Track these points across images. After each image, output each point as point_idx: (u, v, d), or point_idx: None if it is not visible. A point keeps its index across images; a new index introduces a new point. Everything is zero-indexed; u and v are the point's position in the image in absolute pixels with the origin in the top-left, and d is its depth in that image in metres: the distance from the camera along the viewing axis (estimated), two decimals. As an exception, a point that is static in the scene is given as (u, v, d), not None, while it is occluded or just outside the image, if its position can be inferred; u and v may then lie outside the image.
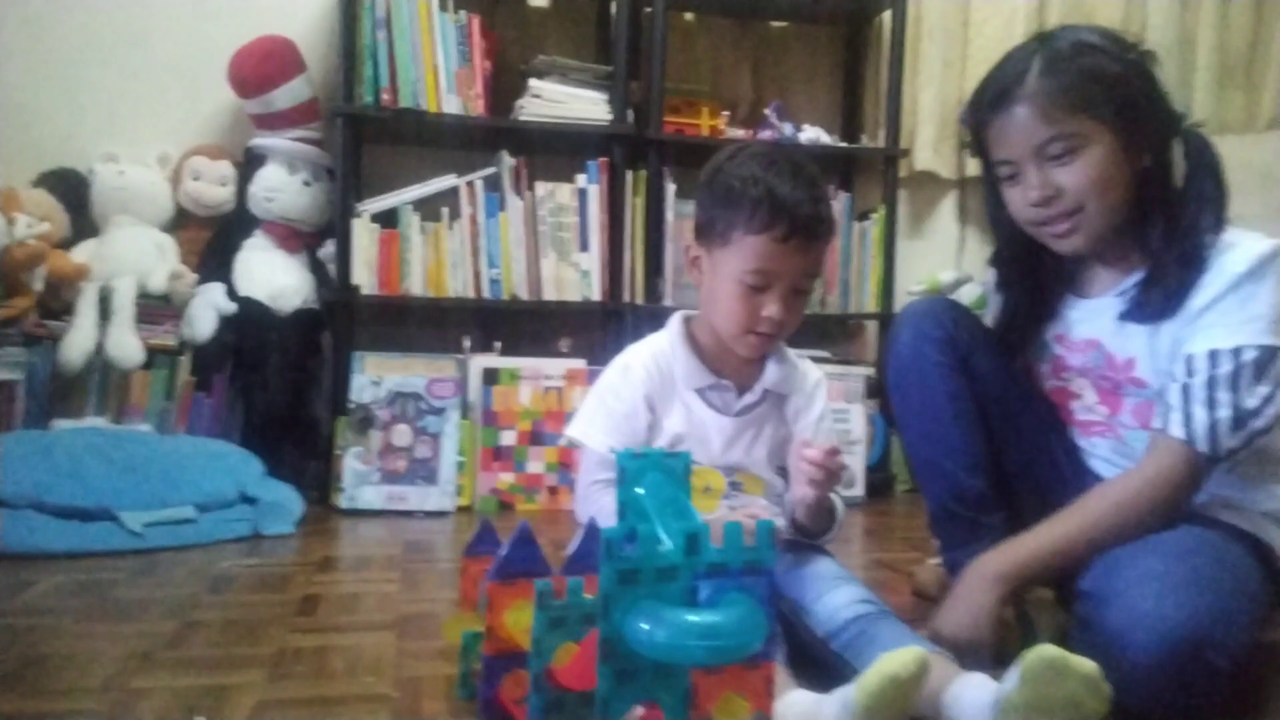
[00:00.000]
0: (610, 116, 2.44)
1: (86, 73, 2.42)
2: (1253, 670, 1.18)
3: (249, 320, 2.27)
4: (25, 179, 2.30)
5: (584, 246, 2.46)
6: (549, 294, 2.45)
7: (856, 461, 2.51)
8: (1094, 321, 1.29)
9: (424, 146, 2.58)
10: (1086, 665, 0.90)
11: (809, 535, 1.28)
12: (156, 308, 2.28)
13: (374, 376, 2.28)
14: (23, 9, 2.38)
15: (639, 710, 0.82)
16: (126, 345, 2.20)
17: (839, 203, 2.62)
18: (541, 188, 2.45)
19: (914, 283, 2.76)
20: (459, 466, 2.27)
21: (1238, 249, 1.16)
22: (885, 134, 2.68)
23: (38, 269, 2.17)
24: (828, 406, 1.37)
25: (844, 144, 2.74)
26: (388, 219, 2.39)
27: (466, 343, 2.43)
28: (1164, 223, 1.20)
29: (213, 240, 2.41)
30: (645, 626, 0.77)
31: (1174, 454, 1.15)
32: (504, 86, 2.50)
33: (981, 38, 2.82)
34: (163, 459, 1.96)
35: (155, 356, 2.25)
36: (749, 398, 1.31)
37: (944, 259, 2.92)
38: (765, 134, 2.57)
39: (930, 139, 2.82)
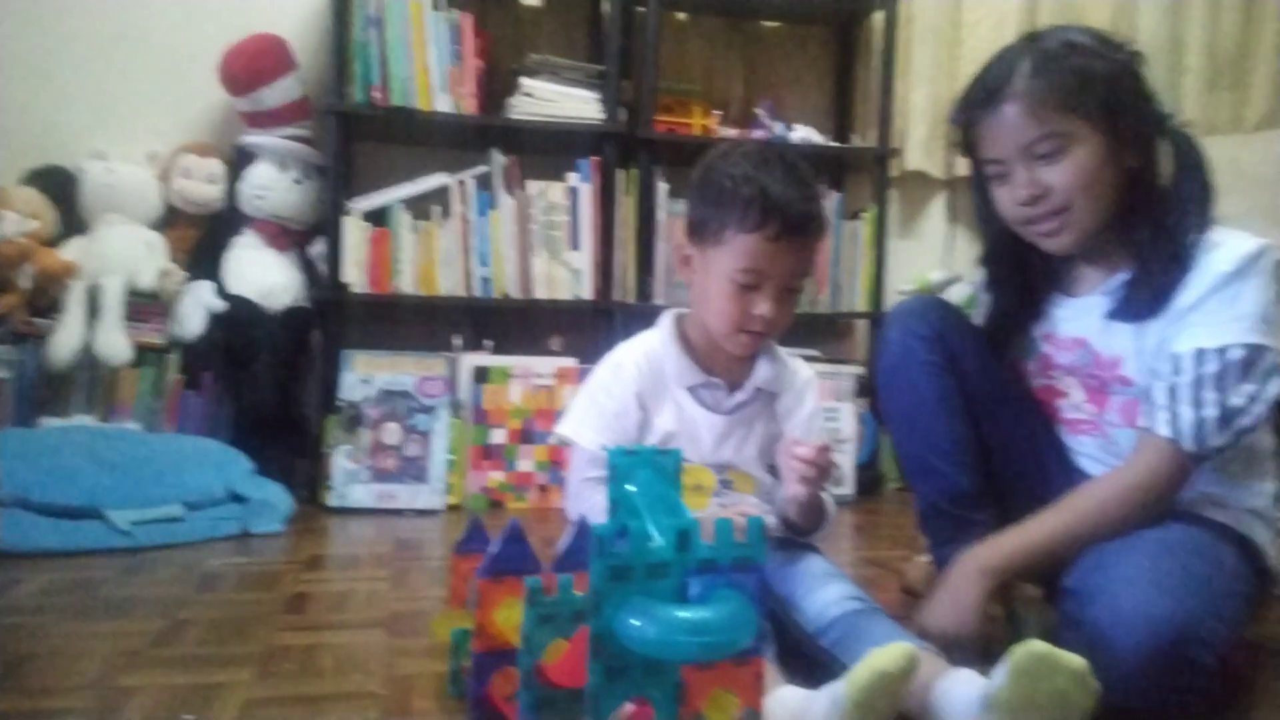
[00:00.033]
0: (602, 115, 2.44)
1: (75, 70, 2.41)
2: (1238, 666, 1.19)
3: (238, 318, 2.26)
4: (14, 176, 2.29)
5: (575, 245, 2.46)
6: (540, 292, 2.45)
7: (846, 460, 2.52)
8: (1081, 320, 1.30)
9: (415, 145, 2.57)
10: (1074, 661, 0.90)
11: (799, 533, 1.28)
12: (145, 305, 2.27)
13: (364, 375, 2.28)
14: (11, 6, 2.37)
15: (629, 707, 0.82)
16: (115, 343, 2.19)
17: (830, 202, 2.63)
18: (533, 186, 2.45)
19: (904, 282, 2.77)
20: (449, 465, 2.27)
21: (1224, 248, 1.17)
22: (876, 134, 2.68)
23: (26, 267, 2.16)
24: (818, 405, 1.37)
25: (835, 144, 2.75)
26: (378, 217, 2.38)
27: (457, 341, 2.43)
28: (1151, 222, 1.21)
29: (202, 238, 2.40)
30: (636, 623, 0.77)
31: (1160, 452, 1.16)
32: (496, 85, 2.50)
33: (973, 38, 2.82)
34: (151, 457, 1.96)
35: (144, 354, 2.24)
36: (740, 396, 1.31)
37: (934, 259, 2.93)
38: (757, 133, 2.57)
39: (921, 139, 2.82)
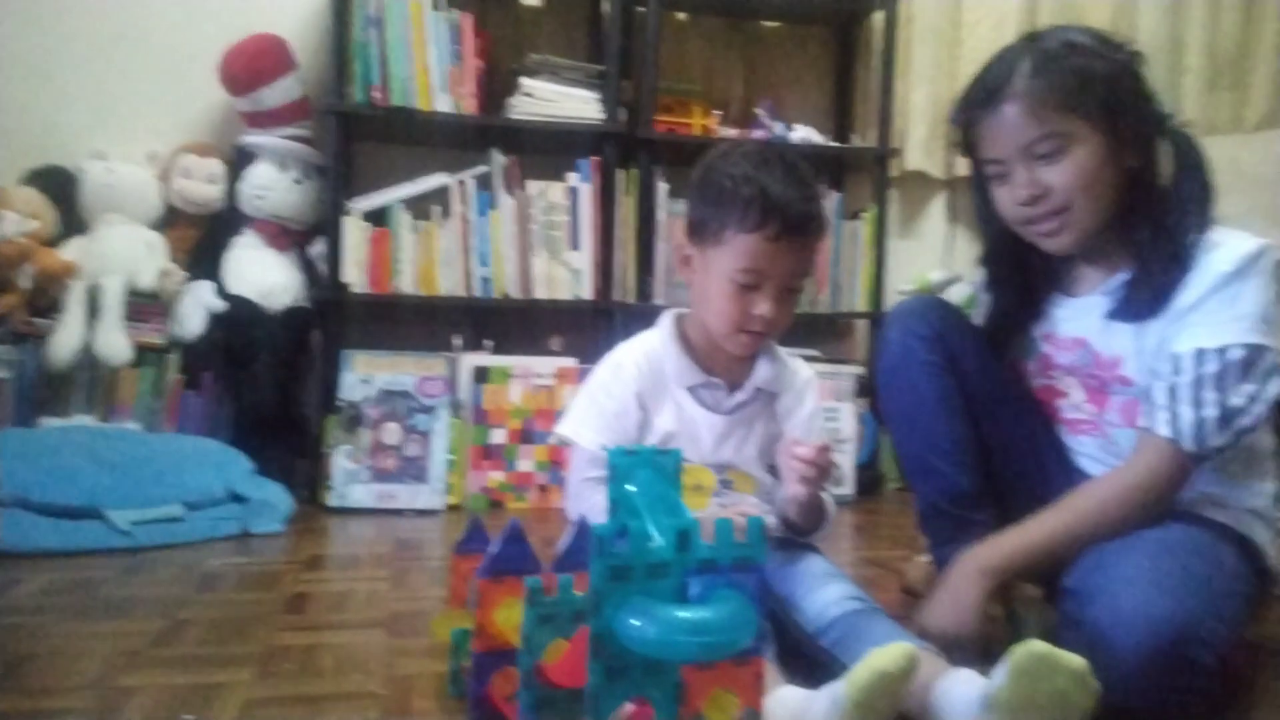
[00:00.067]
0: (602, 115, 2.44)
1: (75, 70, 2.41)
2: (1238, 666, 1.19)
3: (238, 318, 2.26)
4: (14, 176, 2.29)
5: (575, 245, 2.46)
6: (540, 292, 2.45)
7: (846, 460, 2.52)
8: (1081, 320, 1.30)
9: (415, 145, 2.57)
10: (1074, 661, 0.90)
11: (799, 533, 1.28)
12: (145, 305, 2.27)
13: (364, 375, 2.28)
14: (10, 6, 2.37)
15: (629, 707, 0.82)
16: (115, 343, 2.19)
17: (830, 202, 2.63)
18: (533, 186, 2.45)
19: (904, 282, 2.77)
20: (449, 465, 2.27)
21: (1223, 248, 1.17)
22: (876, 134, 2.68)
23: (26, 266, 2.16)
24: (818, 405, 1.37)
25: (835, 144, 2.75)
26: (378, 217, 2.38)
27: (457, 341, 2.43)
28: (1150, 222, 1.21)
29: (202, 238, 2.40)
30: (636, 623, 0.77)
31: (1160, 452, 1.16)
32: (496, 85, 2.50)
33: (973, 38, 2.82)
34: (151, 457, 1.96)
35: (144, 354, 2.24)
36: (740, 396, 1.31)
37: (934, 258, 2.93)
38: (757, 133, 2.57)
39: (921, 139, 2.82)
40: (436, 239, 2.39)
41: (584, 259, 2.45)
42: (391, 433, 2.25)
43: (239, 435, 2.22)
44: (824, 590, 1.17)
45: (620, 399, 1.29)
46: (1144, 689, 1.00)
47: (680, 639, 0.77)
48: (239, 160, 2.39)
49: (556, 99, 2.42)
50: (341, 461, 2.21)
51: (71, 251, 2.26)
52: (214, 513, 1.91)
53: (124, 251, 2.29)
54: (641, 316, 2.18)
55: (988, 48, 1.29)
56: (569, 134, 2.45)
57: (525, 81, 2.41)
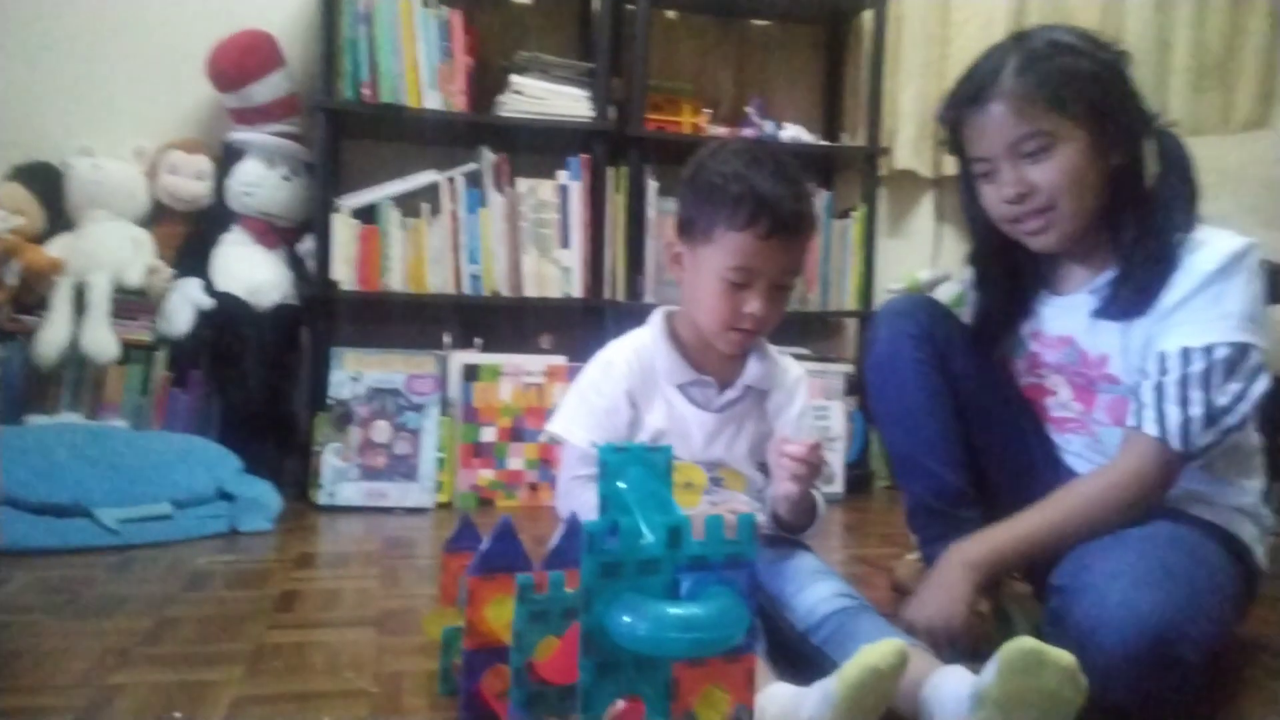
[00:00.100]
0: (592, 113, 2.44)
1: (62, 65, 2.39)
2: (1225, 664, 1.20)
3: (227, 316, 2.25)
4: (-1, 172, 2.28)
5: (565, 243, 2.46)
6: (530, 290, 2.44)
7: (836, 458, 2.52)
8: (1067, 318, 1.31)
9: (404, 142, 2.57)
10: (1064, 658, 0.90)
11: (790, 530, 1.28)
12: (132, 302, 2.26)
13: (353, 372, 2.27)
14: (-5, 1, 2.36)
15: (621, 704, 0.82)
16: (102, 340, 2.18)
17: (819, 201, 2.63)
18: (523, 184, 2.45)
19: (893, 281, 2.78)
20: (439, 463, 2.27)
21: (1208, 247, 1.17)
22: (865, 133, 2.69)
23: (12, 263, 2.14)
24: (808, 403, 1.37)
25: (825, 142, 2.75)
26: (367, 214, 2.38)
27: (447, 339, 2.42)
28: (1136, 221, 1.22)
29: (190, 235, 2.39)
30: (627, 619, 0.77)
31: (1147, 451, 1.17)
32: (485, 82, 2.49)
33: (961, 38, 2.84)
34: (139, 455, 1.95)
35: (131, 351, 2.23)
36: (730, 393, 1.31)
37: (923, 257, 2.95)
38: (747, 132, 2.58)
39: (910, 138, 2.83)
40: (426, 236, 2.39)
41: (574, 257, 2.45)
42: (381, 431, 2.25)
43: (227, 433, 2.22)
44: (814, 588, 1.17)
45: (611, 396, 1.29)
46: (1129, 686, 1.01)
47: (671, 635, 0.77)
48: (227, 157, 2.38)
49: (546, 96, 2.42)
50: (331, 459, 2.20)
51: (58, 248, 2.25)
52: (202, 511, 1.91)
53: (111, 248, 2.27)
54: (631, 314, 2.18)
55: (976, 47, 1.29)
56: (559, 132, 2.45)
57: (515, 79, 2.41)
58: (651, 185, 2.51)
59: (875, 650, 0.90)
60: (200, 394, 2.27)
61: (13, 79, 2.36)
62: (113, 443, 1.98)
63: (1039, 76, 1.18)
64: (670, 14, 2.75)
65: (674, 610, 0.77)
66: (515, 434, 2.35)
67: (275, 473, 2.15)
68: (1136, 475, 1.18)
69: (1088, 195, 1.21)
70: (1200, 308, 1.16)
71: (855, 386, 2.60)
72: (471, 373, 2.35)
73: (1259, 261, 1.18)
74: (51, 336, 2.14)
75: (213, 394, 2.28)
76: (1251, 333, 1.14)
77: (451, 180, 2.41)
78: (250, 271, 2.33)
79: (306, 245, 2.40)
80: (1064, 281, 1.33)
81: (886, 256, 2.81)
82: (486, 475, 2.33)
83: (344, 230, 2.33)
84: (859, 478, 2.61)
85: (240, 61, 2.31)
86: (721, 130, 2.59)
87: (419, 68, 2.35)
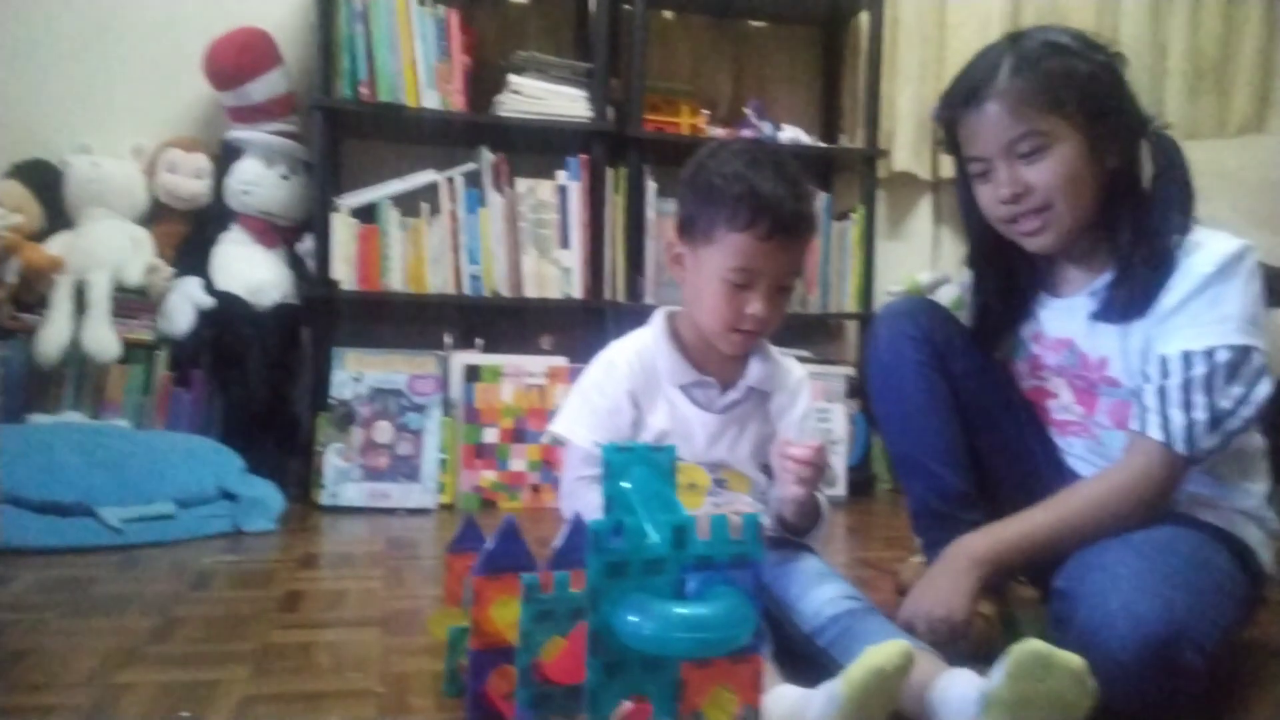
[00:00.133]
0: (590, 113, 2.44)
1: (60, 63, 2.40)
2: (1229, 667, 1.20)
3: (227, 315, 2.25)
4: (-2, 171, 2.28)
5: (565, 243, 2.46)
6: (530, 291, 2.45)
7: (838, 461, 2.53)
8: (1067, 321, 1.31)
9: (403, 141, 2.57)
10: (1073, 660, 0.90)
11: (795, 533, 1.28)
12: (132, 301, 2.26)
13: (355, 373, 2.27)
14: (-5, 0, 2.36)
15: (628, 705, 0.83)
16: (103, 339, 2.18)
17: (818, 202, 2.64)
18: (522, 184, 2.46)
19: (893, 283, 2.79)
20: (441, 464, 2.27)
21: (1205, 249, 1.18)
22: (864, 135, 2.70)
23: (11, 261, 2.14)
24: (811, 404, 1.37)
25: (823, 144, 2.76)
26: (367, 214, 2.38)
27: (448, 339, 2.43)
28: (1132, 224, 1.22)
29: (189, 234, 2.39)
30: (633, 619, 0.77)
31: (1152, 455, 1.17)
32: (483, 82, 2.49)
33: (958, 40, 2.85)
34: (141, 454, 1.95)
35: (132, 350, 2.23)
36: (733, 394, 1.32)
37: (922, 259, 2.95)
38: (745, 133, 2.58)
39: (908, 140, 2.84)
40: (425, 236, 2.39)
41: (574, 257, 2.46)
42: (383, 431, 2.25)
43: (229, 433, 2.22)
44: (820, 590, 1.17)
45: (613, 397, 1.29)
46: (1132, 690, 1.00)
47: (678, 635, 0.77)
48: (225, 155, 2.39)
49: (545, 97, 2.42)
50: (333, 460, 2.21)
51: (57, 246, 2.25)
52: (205, 510, 1.91)
53: (110, 247, 2.28)
54: (632, 315, 2.19)
55: (972, 49, 1.30)
56: (558, 132, 2.45)
57: (513, 79, 2.41)
58: (650, 186, 2.52)
59: (880, 652, 0.90)
60: (202, 393, 2.28)
61: (11, 77, 2.36)
62: (115, 442, 1.98)
63: (1034, 77, 1.18)
64: (667, 14, 2.76)
65: (680, 610, 0.78)
66: (517, 435, 2.35)
67: (278, 473, 2.15)
68: (1142, 479, 1.18)
69: (1083, 196, 1.21)
70: (1199, 311, 1.16)
71: (856, 389, 2.60)
72: (473, 373, 2.35)
73: (1256, 264, 1.18)
74: (52, 335, 2.15)
75: (214, 393, 2.29)
76: (1252, 335, 1.14)
77: (451, 180, 2.41)
78: (250, 270, 2.33)
79: (306, 244, 2.40)
80: (1063, 284, 1.34)
81: (886, 259, 2.81)
82: (489, 476, 2.33)
83: (343, 230, 2.34)
84: (861, 480, 2.61)
85: (237, 59, 2.31)
86: (720, 131, 2.60)
87: (417, 67, 2.35)
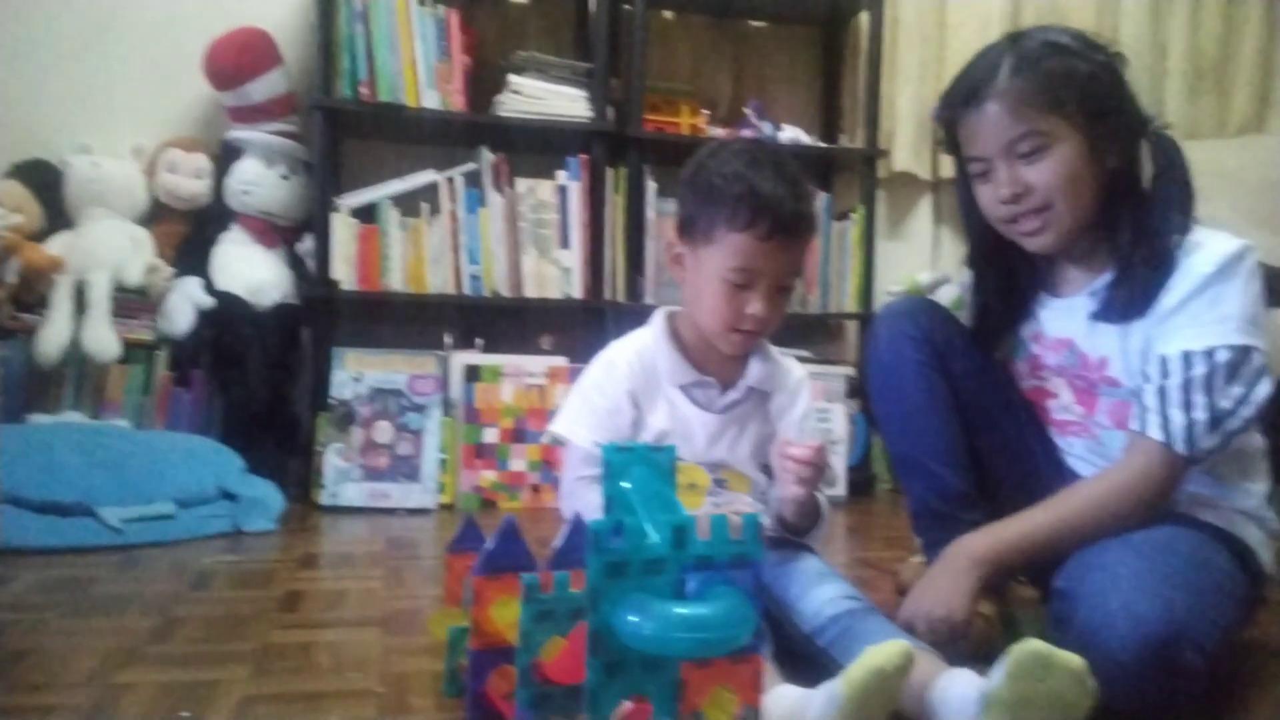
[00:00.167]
0: (590, 114, 2.44)
1: (60, 63, 2.40)
2: (1229, 667, 1.20)
3: (227, 315, 2.25)
4: (-2, 171, 2.28)
5: (565, 243, 2.46)
6: (530, 291, 2.45)
7: (838, 461, 2.53)
8: (1067, 321, 1.31)
9: (403, 141, 2.57)
10: (1073, 661, 0.90)
11: (795, 533, 1.28)
12: (132, 301, 2.26)
13: (355, 372, 2.27)
14: (-5, 0, 2.36)
15: (628, 705, 0.83)
16: (103, 339, 2.18)
17: (818, 203, 2.64)
18: (522, 184, 2.46)
19: (893, 283, 2.79)
20: (441, 464, 2.27)
21: (1205, 249, 1.18)
22: (864, 135, 2.70)
23: (11, 261, 2.14)
24: (811, 404, 1.37)
25: (823, 144, 2.76)
26: (367, 214, 2.38)
27: (448, 339, 2.43)
28: (1132, 224, 1.22)
29: (189, 234, 2.40)
30: (633, 619, 0.77)
31: (1152, 455, 1.17)
32: (483, 82, 2.50)
33: (958, 40, 2.85)
34: (141, 454, 1.95)
35: (132, 350, 2.23)
36: (733, 394, 1.32)
37: (922, 259, 2.95)
38: (745, 133, 2.58)
39: (908, 140, 2.84)
40: (425, 236, 2.39)
41: (574, 257, 2.46)
42: (383, 431, 2.25)
43: (229, 433, 2.22)
44: (820, 590, 1.17)
45: (613, 397, 1.29)
46: (1131, 690, 1.00)
47: (678, 635, 0.77)
48: (225, 155, 2.39)
49: (545, 97, 2.42)
50: (333, 460, 2.21)
51: (57, 246, 2.25)
52: (205, 510, 1.91)
53: (110, 247, 2.28)
54: (632, 315, 2.19)
55: (972, 49, 1.30)
56: (558, 132, 2.45)
57: (513, 79, 2.41)
58: (650, 186, 2.52)
59: (880, 651, 0.90)
60: (202, 393, 2.28)
61: (11, 77, 2.36)
62: (115, 442, 1.98)
63: (1034, 76, 1.18)
64: (667, 14, 2.76)
65: (680, 610, 0.78)
66: (517, 435, 2.35)
67: (278, 473, 2.16)
68: (1142, 479, 1.18)
69: (1083, 196, 1.21)
70: (1199, 310, 1.16)
71: (856, 389, 2.60)
72: (473, 373, 2.35)
73: (1256, 264, 1.18)
74: (52, 335, 2.15)
75: (214, 393, 2.29)
76: (1252, 335, 1.14)
77: (450, 180, 2.42)
78: (250, 270, 2.33)
79: (306, 244, 2.40)
80: (1063, 284, 1.34)
81: (886, 259, 2.81)
82: (489, 476, 2.33)
83: (343, 230, 2.34)
84: (861, 480, 2.61)
85: (237, 59, 2.32)
86: (720, 131, 2.60)
87: (417, 66, 2.35)
